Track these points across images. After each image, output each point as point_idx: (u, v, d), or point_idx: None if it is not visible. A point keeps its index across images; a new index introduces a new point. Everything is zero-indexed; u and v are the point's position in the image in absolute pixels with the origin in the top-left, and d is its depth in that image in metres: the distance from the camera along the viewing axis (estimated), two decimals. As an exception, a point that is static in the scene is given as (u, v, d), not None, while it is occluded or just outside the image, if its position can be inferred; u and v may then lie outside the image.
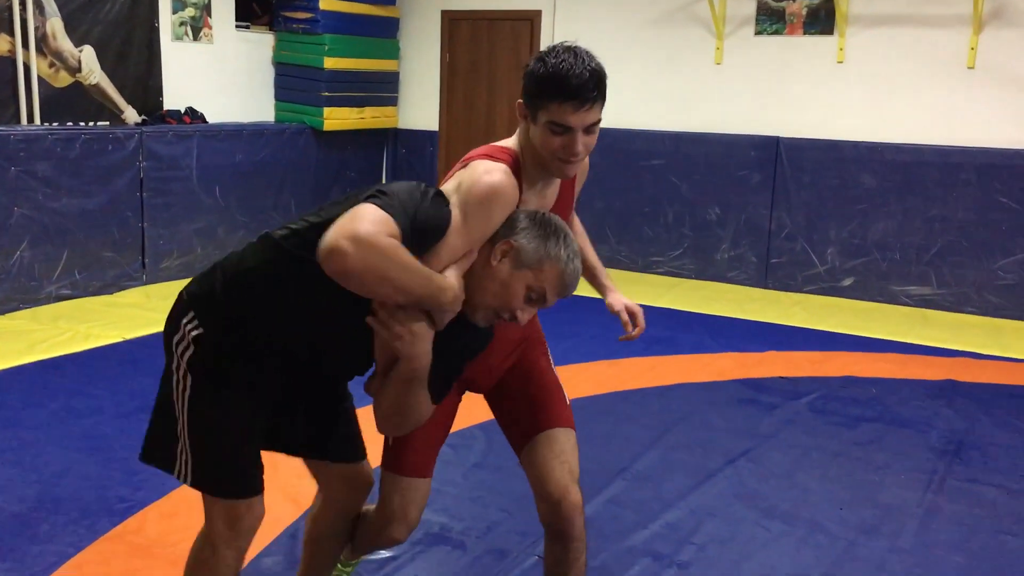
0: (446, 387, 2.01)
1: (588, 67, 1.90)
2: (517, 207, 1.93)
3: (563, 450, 2.15)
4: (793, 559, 2.88)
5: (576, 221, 2.41)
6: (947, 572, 2.84)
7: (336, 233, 1.68)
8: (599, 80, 1.92)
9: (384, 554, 2.78)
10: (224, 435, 1.94)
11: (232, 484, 1.97)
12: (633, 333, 2.30)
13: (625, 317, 2.30)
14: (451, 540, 2.92)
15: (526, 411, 2.20)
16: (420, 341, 1.82)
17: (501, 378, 2.24)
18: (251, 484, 1.99)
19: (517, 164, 1.98)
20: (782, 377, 4.70)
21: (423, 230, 1.78)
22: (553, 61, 1.89)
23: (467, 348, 2.00)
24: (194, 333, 1.89)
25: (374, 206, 1.74)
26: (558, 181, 2.08)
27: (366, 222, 1.69)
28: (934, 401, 4.39)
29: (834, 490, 3.39)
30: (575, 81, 1.87)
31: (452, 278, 1.81)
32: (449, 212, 1.83)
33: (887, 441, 3.89)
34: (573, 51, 1.92)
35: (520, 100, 1.97)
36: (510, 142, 2.05)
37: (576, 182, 2.20)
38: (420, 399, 1.91)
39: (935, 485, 3.46)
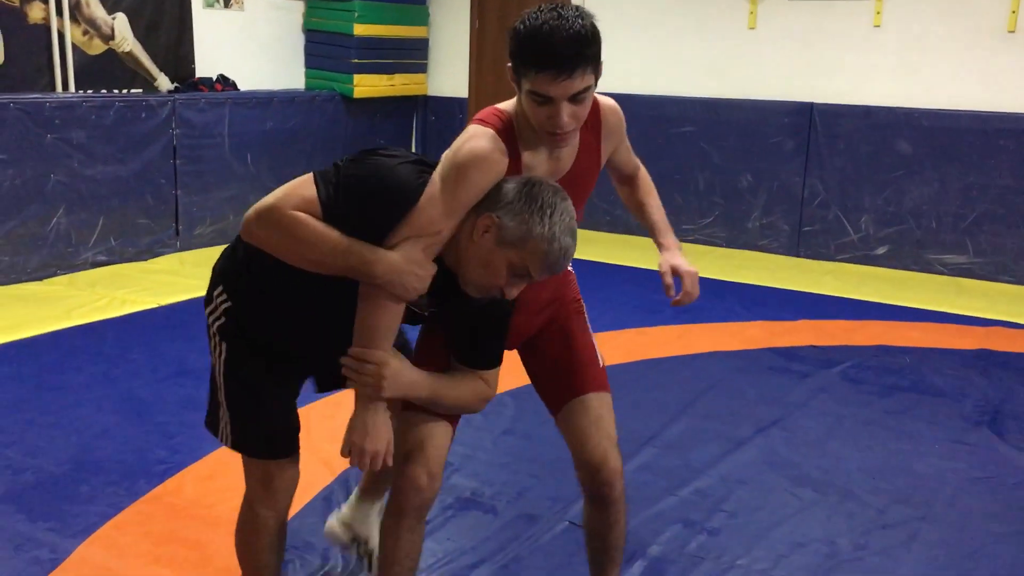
0: (498, 350, 2.01)
1: (570, 30, 1.68)
2: (520, 173, 1.86)
3: (599, 415, 2.11)
4: (824, 527, 2.88)
5: (641, 175, 2.30)
6: (980, 541, 2.83)
7: (253, 207, 1.81)
8: (583, 44, 1.70)
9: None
10: (256, 399, 2.00)
11: (264, 445, 2.04)
12: (675, 296, 2.09)
13: (668, 280, 2.09)
14: (482, 505, 2.95)
15: (559, 375, 2.16)
16: (394, 381, 1.83)
17: (532, 338, 2.20)
18: (282, 446, 2.05)
19: (511, 128, 1.87)
20: (814, 346, 4.67)
21: (389, 197, 1.76)
22: (533, 24, 1.71)
23: (494, 315, 1.96)
24: (224, 306, 1.96)
25: (306, 179, 1.81)
26: (576, 142, 1.96)
27: (276, 197, 1.79)
28: (969, 370, 4.35)
29: (866, 459, 3.38)
30: (555, 49, 1.68)
31: (405, 251, 1.74)
32: (425, 181, 1.78)
33: (920, 410, 3.87)
34: (557, 11, 1.71)
35: (508, 64, 1.81)
36: (509, 104, 1.92)
37: (602, 139, 2.04)
38: (455, 395, 1.97)
39: (969, 454, 3.44)
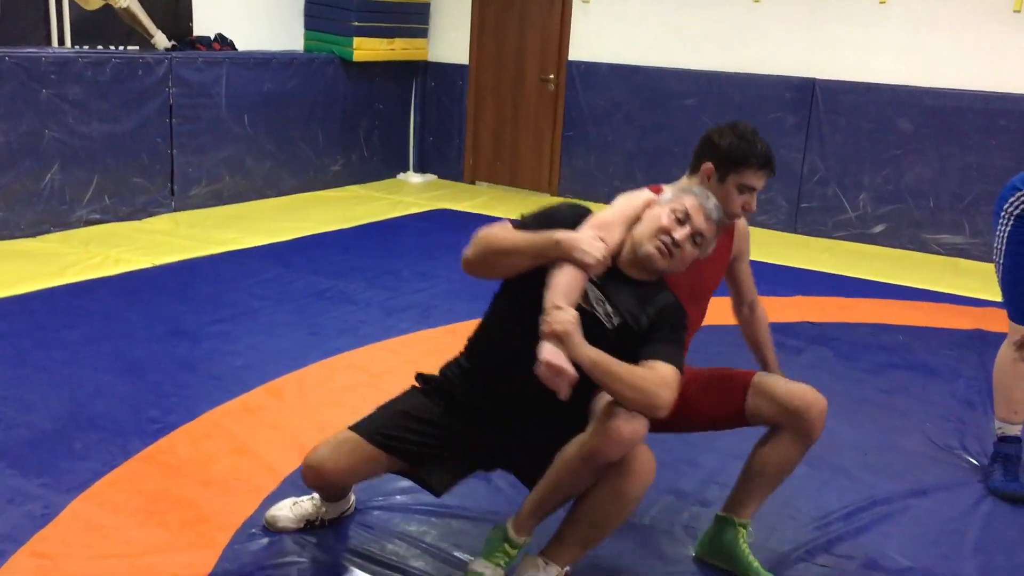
0: (670, 351, 2.14)
1: (766, 141, 2.39)
2: None
3: (781, 373, 2.52)
4: (816, 502, 2.89)
5: (760, 310, 2.70)
6: (970, 517, 2.85)
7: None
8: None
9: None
10: (394, 403, 2.39)
11: (364, 420, 2.35)
12: None
13: None
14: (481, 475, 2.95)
15: (725, 390, 2.43)
16: (576, 333, 2.01)
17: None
18: (370, 428, 2.31)
19: None
20: (809, 322, 4.67)
21: (562, 213, 2.26)
22: (742, 136, 2.35)
23: (667, 321, 2.20)
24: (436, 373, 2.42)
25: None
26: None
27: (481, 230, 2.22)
28: (963, 350, 4.37)
29: (859, 435, 3.39)
30: (766, 156, 2.36)
31: (581, 232, 2.15)
32: (585, 212, 2.27)
33: (914, 388, 3.88)
34: (753, 130, 2.38)
35: (709, 164, 2.37)
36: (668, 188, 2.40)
37: (734, 238, 2.53)
38: (627, 369, 2.05)
39: (961, 433, 3.45)
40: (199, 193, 6.36)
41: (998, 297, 5.23)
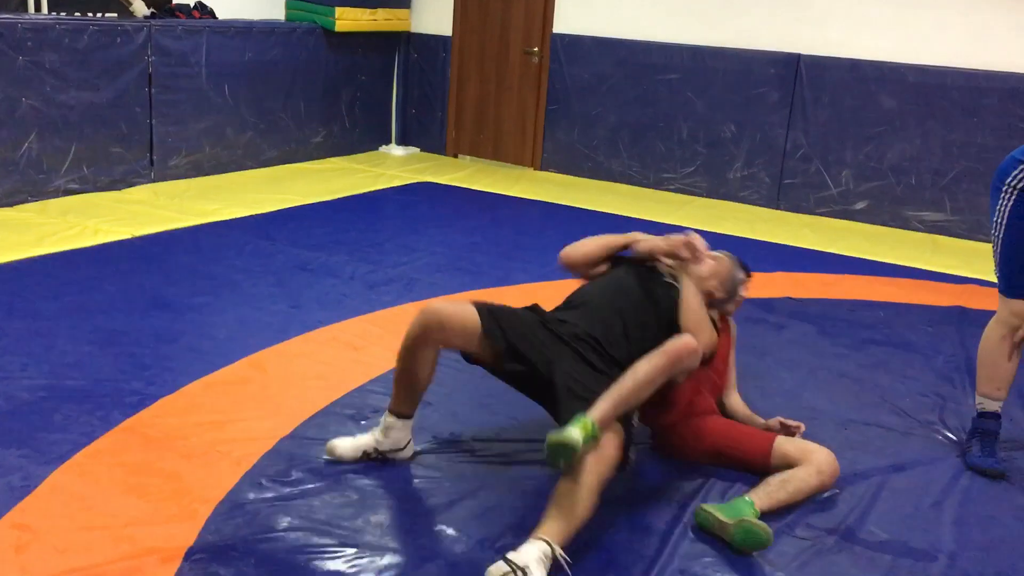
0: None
1: None
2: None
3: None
4: (796, 475, 2.91)
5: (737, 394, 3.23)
6: (948, 492, 2.89)
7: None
8: None
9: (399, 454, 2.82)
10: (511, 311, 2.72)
11: (483, 302, 2.66)
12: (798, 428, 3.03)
13: (777, 427, 3.02)
14: (460, 445, 2.96)
15: (754, 453, 2.87)
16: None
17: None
18: (485, 308, 2.63)
19: None
20: (790, 298, 4.69)
21: None
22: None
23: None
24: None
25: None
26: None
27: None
28: (942, 327, 4.40)
29: (839, 410, 3.42)
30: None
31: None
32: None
33: (893, 364, 3.91)
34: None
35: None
36: None
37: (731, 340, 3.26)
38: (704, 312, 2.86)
39: (940, 409, 3.49)
40: (179, 164, 6.29)
41: (978, 274, 5.32)
